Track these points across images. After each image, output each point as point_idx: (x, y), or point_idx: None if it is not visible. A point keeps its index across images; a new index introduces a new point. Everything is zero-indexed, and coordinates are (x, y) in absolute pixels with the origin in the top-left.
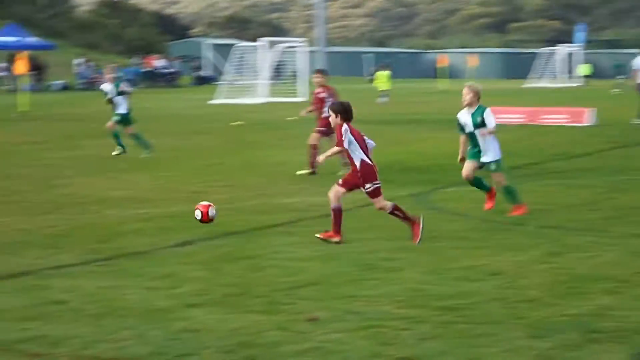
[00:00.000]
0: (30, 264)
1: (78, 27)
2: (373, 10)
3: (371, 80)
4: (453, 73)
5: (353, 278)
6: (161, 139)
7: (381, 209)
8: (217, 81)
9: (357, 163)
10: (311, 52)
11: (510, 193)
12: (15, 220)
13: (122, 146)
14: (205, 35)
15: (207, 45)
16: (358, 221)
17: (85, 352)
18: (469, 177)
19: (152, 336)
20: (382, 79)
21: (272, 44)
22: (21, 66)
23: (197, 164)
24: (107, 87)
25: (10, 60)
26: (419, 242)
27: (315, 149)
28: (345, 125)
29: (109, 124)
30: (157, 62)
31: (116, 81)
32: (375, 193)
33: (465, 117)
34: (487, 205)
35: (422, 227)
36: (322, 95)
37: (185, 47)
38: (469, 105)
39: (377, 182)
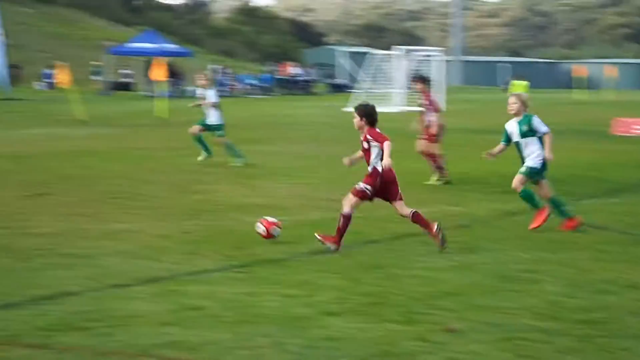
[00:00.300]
0: (169, 269)
1: (214, 34)
2: (510, 20)
3: (506, 90)
4: (591, 83)
5: (491, 289)
6: (296, 146)
7: (343, 205)
8: (351, 89)
9: (371, 166)
10: (447, 61)
11: (530, 199)
12: (154, 225)
13: (239, 155)
14: (340, 43)
15: (341, 53)
16: (495, 232)
17: (223, 359)
18: (516, 188)
19: (290, 344)
20: (519, 88)
21: (408, 52)
22: (158, 72)
23: (333, 172)
24: (199, 92)
25: (147, 66)
26: (329, 247)
27: (430, 156)
28: (369, 136)
29: (217, 139)
30: (292, 70)
31: (209, 87)
32: (358, 192)
33: (512, 126)
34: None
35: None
36: (423, 102)
37: (320, 55)
38: (516, 114)
39: (370, 189)
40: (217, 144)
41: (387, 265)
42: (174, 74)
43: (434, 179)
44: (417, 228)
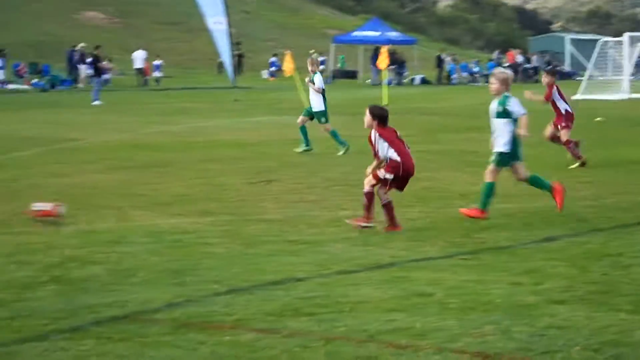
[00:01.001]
0: (395, 255)
1: (438, 22)
2: None
3: None
4: None
5: None
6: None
7: (378, 195)
8: (577, 77)
9: (385, 158)
10: None
11: (486, 192)
12: (379, 212)
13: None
14: (565, 30)
15: (567, 40)
16: None
17: (450, 346)
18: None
19: (517, 332)
20: None
21: (635, 39)
22: (384, 60)
23: (560, 160)
24: (307, 78)
25: (375, 54)
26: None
27: (568, 144)
28: (376, 134)
29: (323, 127)
30: (518, 57)
31: (314, 74)
32: (383, 181)
33: (492, 106)
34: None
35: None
36: (552, 93)
37: (545, 42)
38: (496, 94)
39: (392, 176)
40: (324, 131)
41: (615, 253)
42: (397, 62)
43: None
44: None
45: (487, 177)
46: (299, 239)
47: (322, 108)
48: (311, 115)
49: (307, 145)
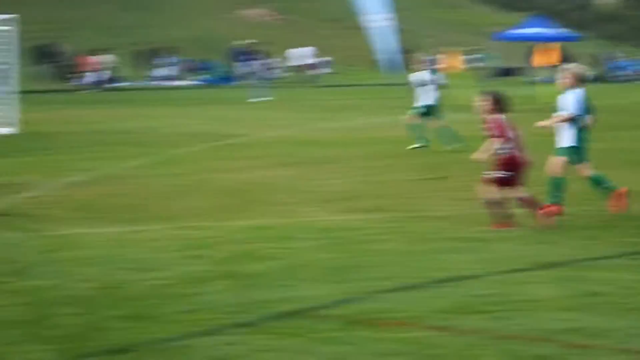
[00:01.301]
0: (568, 254)
1: (601, 19)
2: None
3: None
4: None
5: None
6: None
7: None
8: None
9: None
10: None
11: (556, 187)
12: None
13: (424, 139)
14: None
15: None
16: None
17: (626, 346)
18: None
19: None
20: None
21: None
22: (541, 58)
23: None
24: (414, 76)
25: (529, 52)
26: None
27: None
28: (501, 117)
29: (407, 117)
30: None
31: (429, 69)
32: (495, 181)
33: None
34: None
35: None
36: None
37: None
38: (567, 88)
39: (503, 173)
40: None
41: None
42: (562, 60)
43: None
44: None
45: (554, 172)
46: (467, 236)
47: (431, 102)
48: (429, 111)
49: (424, 140)
